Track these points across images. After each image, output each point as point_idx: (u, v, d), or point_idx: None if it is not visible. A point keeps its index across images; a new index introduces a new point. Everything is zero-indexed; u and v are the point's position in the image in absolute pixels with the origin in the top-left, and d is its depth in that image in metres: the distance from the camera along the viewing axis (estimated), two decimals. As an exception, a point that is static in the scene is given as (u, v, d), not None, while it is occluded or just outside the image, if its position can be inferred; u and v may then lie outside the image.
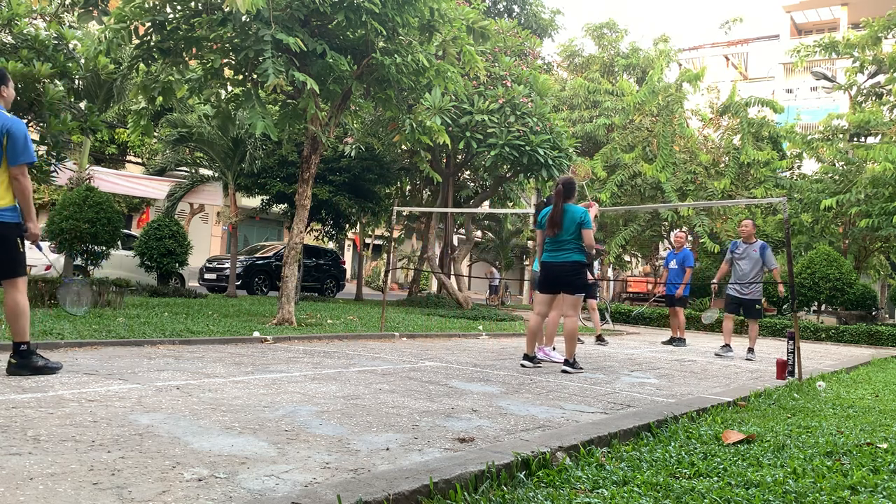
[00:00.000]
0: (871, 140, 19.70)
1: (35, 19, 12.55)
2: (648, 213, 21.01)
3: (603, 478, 2.48)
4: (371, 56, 8.58)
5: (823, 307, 17.17)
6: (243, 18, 8.02)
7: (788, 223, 6.86)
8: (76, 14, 11.63)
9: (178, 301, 11.39)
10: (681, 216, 20.21)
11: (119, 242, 12.60)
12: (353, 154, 15.65)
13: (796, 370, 6.23)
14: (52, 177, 11.28)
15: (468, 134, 14.39)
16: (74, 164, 13.31)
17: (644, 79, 22.87)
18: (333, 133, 9.82)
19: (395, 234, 25.55)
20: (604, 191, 19.84)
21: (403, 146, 15.75)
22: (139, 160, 23.40)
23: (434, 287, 25.71)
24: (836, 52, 19.01)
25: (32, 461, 2.36)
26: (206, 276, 17.83)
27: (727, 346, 9.19)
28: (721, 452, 2.98)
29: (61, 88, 10.22)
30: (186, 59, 9.04)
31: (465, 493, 2.22)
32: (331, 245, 23.19)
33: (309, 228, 19.73)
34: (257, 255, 18.36)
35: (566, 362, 6.10)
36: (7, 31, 10.17)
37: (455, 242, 21.14)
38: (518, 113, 14.61)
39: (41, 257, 13.32)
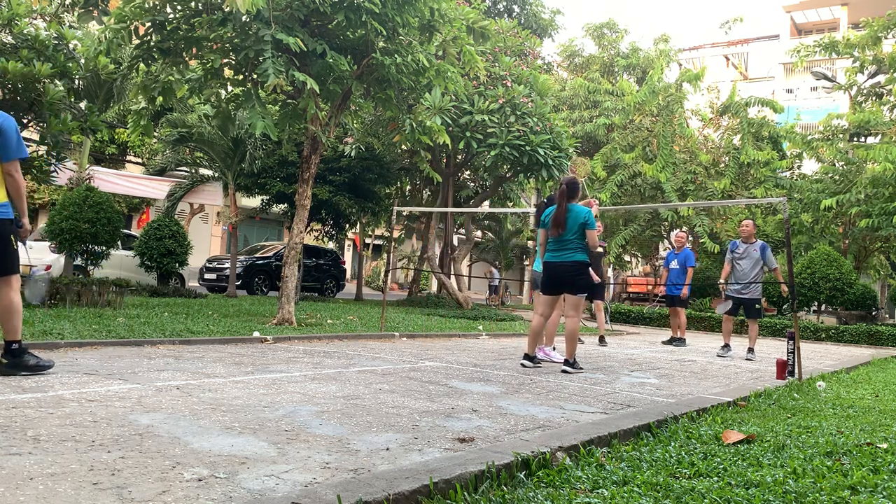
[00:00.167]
0: (871, 140, 19.70)
1: (35, 19, 12.55)
2: (648, 213, 21.01)
3: (603, 478, 2.48)
4: (371, 56, 8.58)
5: (823, 307, 17.18)
6: (243, 18, 8.02)
7: (788, 223, 6.86)
8: (76, 14, 11.64)
9: (178, 301, 11.39)
10: (681, 216, 20.22)
11: (119, 242, 12.62)
12: (353, 154, 15.65)
13: (796, 370, 6.23)
14: (52, 177, 11.29)
15: (468, 134, 14.39)
16: (74, 164, 13.32)
17: (644, 79, 22.87)
18: (333, 133, 9.82)
19: (395, 234, 25.55)
20: (604, 191, 19.84)
21: (403, 146, 15.75)
22: (139, 160, 23.40)
23: (434, 287, 25.71)
24: (836, 52, 19.01)
25: (32, 461, 2.36)
26: (206, 276, 17.83)
27: (727, 346, 9.20)
28: (721, 452, 2.98)
29: (61, 88, 10.22)
30: (186, 59, 9.04)
31: (465, 493, 2.22)
32: (331, 245, 23.18)
33: (309, 228, 19.73)
34: (257, 255, 18.36)
35: (566, 362, 6.10)
36: (7, 31, 10.17)
37: (455, 242, 21.14)
38: (518, 113, 14.62)
39: (41, 257, 13.36)
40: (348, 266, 28.91)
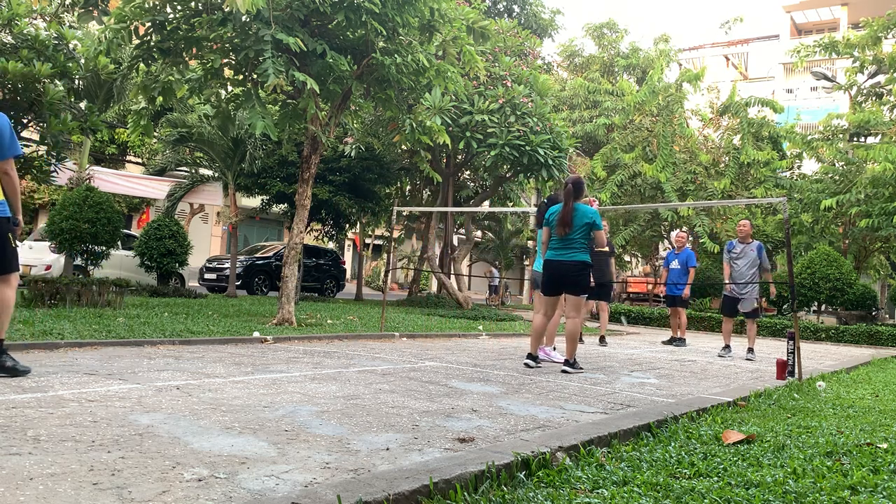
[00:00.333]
0: (871, 140, 19.70)
1: (35, 19, 12.55)
2: (648, 213, 21.01)
3: (603, 478, 2.48)
4: (371, 56, 8.58)
5: (823, 307, 17.17)
6: (243, 18, 8.02)
7: (788, 223, 6.86)
8: (76, 14, 11.64)
9: (178, 301, 11.39)
10: (681, 216, 20.22)
11: (119, 242, 12.61)
12: (353, 154, 15.65)
13: (796, 370, 6.23)
14: (52, 177, 11.29)
15: (468, 134, 14.39)
16: (74, 164, 13.32)
17: (644, 79, 22.88)
18: (333, 133, 9.82)
19: (395, 234, 25.55)
20: (604, 191, 19.85)
21: (403, 146, 15.75)
22: (139, 160, 23.40)
23: (434, 287, 25.71)
24: (836, 52, 19.01)
25: (32, 461, 2.36)
26: (206, 276, 17.83)
27: (727, 346, 9.21)
28: (721, 452, 2.98)
29: (61, 88, 10.22)
30: (186, 59, 9.04)
31: (465, 493, 2.22)
32: (331, 245, 23.18)
33: (309, 228, 19.73)
34: (257, 255, 18.36)
35: (566, 362, 6.09)
36: (7, 31, 10.17)
37: (455, 242, 21.14)
38: (518, 113, 14.62)
39: (41, 257, 13.36)
40: (348, 266, 28.91)
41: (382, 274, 30.84)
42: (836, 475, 2.66)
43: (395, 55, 8.53)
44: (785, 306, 18.41)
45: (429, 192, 20.40)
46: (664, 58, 23.66)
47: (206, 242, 27.78)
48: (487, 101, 14.53)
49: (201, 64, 9.13)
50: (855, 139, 19.83)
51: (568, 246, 6.04)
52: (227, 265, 16.92)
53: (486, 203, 22.28)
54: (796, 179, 21.00)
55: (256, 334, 7.08)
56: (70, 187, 13.33)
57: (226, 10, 7.91)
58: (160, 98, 9.06)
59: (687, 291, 10.33)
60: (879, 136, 18.23)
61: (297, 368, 5.18)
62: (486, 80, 14.91)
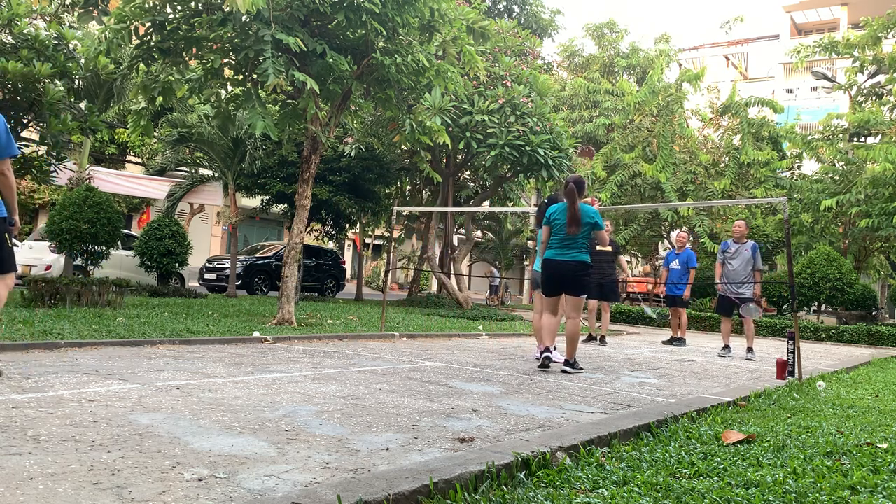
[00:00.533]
0: (871, 140, 19.70)
1: (35, 19, 12.56)
2: (648, 213, 21.01)
3: (603, 478, 2.48)
4: (371, 56, 8.58)
5: (823, 307, 17.18)
6: (243, 18, 8.02)
7: (788, 223, 6.86)
8: (76, 14, 11.65)
9: (178, 301, 11.40)
10: (681, 216, 20.22)
11: (119, 242, 12.61)
12: (353, 154, 15.65)
13: (796, 370, 6.23)
14: (52, 177, 11.28)
15: (468, 134, 14.39)
16: (74, 164, 13.32)
17: (644, 79, 22.88)
18: (333, 133, 9.82)
19: (395, 234, 25.56)
20: (604, 191, 19.85)
21: (403, 146, 15.75)
22: (139, 160, 23.40)
23: (434, 287, 25.72)
24: (836, 53, 19.01)
25: (32, 461, 2.36)
26: (206, 276, 17.83)
27: (727, 347, 9.21)
28: (721, 452, 2.98)
29: (61, 88, 10.22)
30: (186, 59, 9.04)
31: (465, 493, 2.22)
32: (331, 245, 23.19)
33: (309, 228, 19.73)
34: (257, 255, 18.36)
35: (566, 362, 6.09)
36: (7, 31, 10.17)
37: (455, 242, 21.14)
38: (518, 113, 14.62)
39: (41, 257, 13.36)
40: (348, 266, 28.92)
41: (382, 274, 30.84)
42: (836, 475, 2.66)
43: (395, 55, 8.53)
44: (785, 306, 18.42)
45: (429, 192, 20.41)
46: (664, 58, 23.67)
47: (206, 242, 27.79)
48: (487, 101, 14.53)
49: (201, 64, 9.13)
50: (855, 139, 19.84)
51: (570, 246, 6.02)
52: (227, 265, 16.92)
53: (486, 203, 22.29)
54: (796, 179, 21.01)
55: (256, 334, 7.08)
56: (70, 187, 13.33)
57: (226, 10, 7.91)
58: (160, 98, 9.06)
59: (687, 292, 10.36)
60: (879, 136, 18.23)
61: (297, 368, 5.18)
62: (486, 80, 14.91)
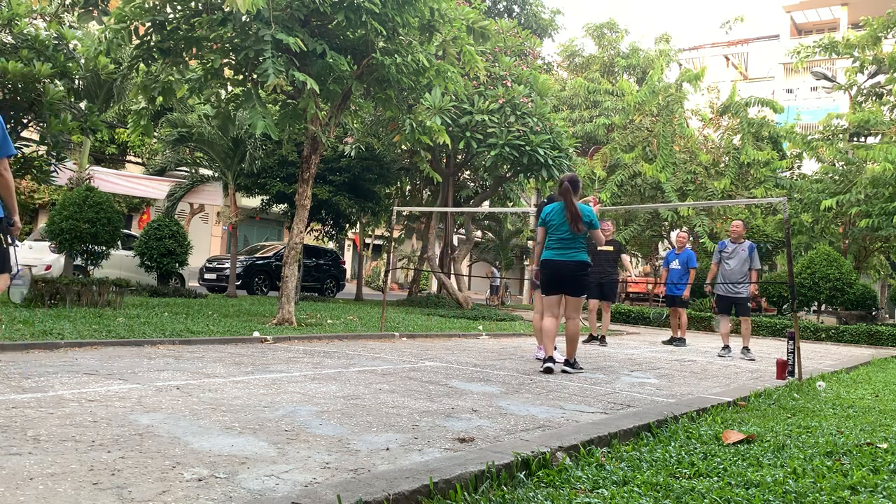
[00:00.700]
0: (871, 140, 19.70)
1: (35, 19, 12.56)
2: (648, 213, 21.01)
3: (603, 478, 2.48)
4: (371, 56, 8.58)
5: (823, 307, 17.18)
6: (243, 18, 8.02)
7: (788, 223, 6.86)
8: (76, 14, 11.65)
9: (178, 301, 11.39)
10: (681, 216, 20.23)
11: (119, 242, 12.62)
12: (353, 154, 15.66)
13: (796, 370, 6.23)
14: (52, 177, 11.29)
15: (468, 134, 14.39)
16: (74, 164, 13.33)
17: (644, 79, 22.88)
18: (333, 133, 9.82)
19: (395, 234, 25.56)
20: (604, 191, 19.85)
21: (403, 146, 15.75)
22: (139, 160, 23.41)
23: (434, 287, 25.72)
24: (836, 53, 19.01)
25: (32, 461, 2.36)
26: (206, 276, 17.84)
27: (727, 347, 9.22)
28: (721, 452, 2.98)
29: (61, 88, 10.23)
30: (186, 59, 9.04)
31: (465, 493, 2.22)
32: (331, 245, 23.19)
33: (309, 228, 19.73)
34: (257, 255, 18.36)
35: (566, 362, 6.09)
36: (7, 31, 10.17)
37: (455, 242, 21.15)
38: (518, 113, 14.62)
39: (41, 257, 13.36)
40: (348, 266, 28.92)
41: (382, 274, 30.85)
42: (836, 475, 2.66)
43: (395, 55, 8.53)
44: (785, 306, 18.42)
45: (429, 192, 20.41)
46: (664, 58, 23.67)
47: (206, 242, 27.79)
48: (487, 101, 14.53)
49: (201, 64, 9.13)
50: (855, 139, 19.83)
51: (570, 246, 6.01)
52: (227, 265, 16.92)
53: (486, 203, 22.29)
54: (796, 179, 21.01)
55: (256, 334, 7.08)
56: (70, 187, 13.34)
57: (226, 10, 7.91)
58: (160, 98, 9.06)
59: (687, 292, 10.39)
60: (879, 136, 18.23)
61: (297, 368, 5.18)
62: (486, 80, 14.91)
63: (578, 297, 6.11)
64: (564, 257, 6.00)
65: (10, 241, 4.17)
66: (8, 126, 9.75)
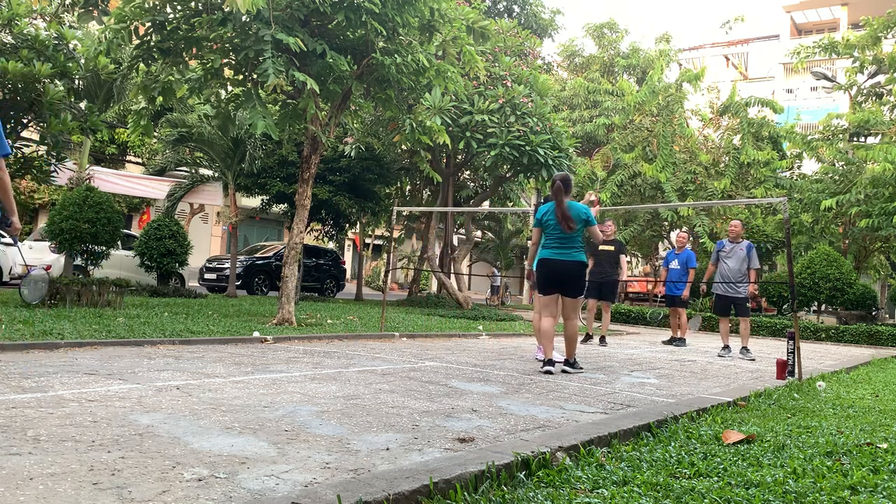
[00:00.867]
0: (871, 140, 19.70)
1: (35, 19, 12.57)
2: (648, 213, 21.02)
3: (603, 478, 2.48)
4: (371, 56, 8.58)
5: (823, 307, 17.17)
6: (243, 18, 8.02)
7: (788, 223, 6.86)
8: (76, 14, 11.65)
9: (178, 301, 11.39)
10: (681, 216, 20.23)
11: (119, 242, 12.62)
12: (353, 154, 15.66)
13: (796, 370, 6.23)
14: (52, 177, 11.29)
15: (468, 134, 14.39)
16: (74, 164, 13.33)
17: (644, 79, 22.88)
18: (333, 133, 9.82)
19: (395, 234, 25.56)
20: (604, 191, 19.85)
21: (403, 146, 15.75)
22: (139, 160, 23.41)
23: (434, 287, 25.72)
24: (836, 53, 19.01)
25: (32, 461, 2.36)
26: (206, 276, 17.84)
27: (727, 347, 9.22)
28: (721, 452, 2.98)
29: (61, 88, 10.23)
30: (186, 59, 9.04)
31: (465, 493, 2.22)
32: (331, 245, 23.19)
33: (309, 228, 19.73)
34: (257, 255, 18.36)
35: (566, 362, 6.09)
36: (7, 31, 10.17)
37: (455, 242, 21.15)
38: (518, 113, 14.62)
39: (41, 257, 13.36)
40: (348, 266, 28.91)
41: (382, 274, 30.85)
42: (836, 475, 2.66)
43: (395, 55, 8.53)
44: (785, 306, 18.42)
45: (429, 192, 20.41)
46: (664, 58, 23.67)
47: (206, 242, 27.79)
48: (487, 101, 14.53)
49: (201, 64, 9.13)
50: (855, 139, 19.83)
51: (567, 245, 6.00)
52: (227, 265, 16.92)
53: (486, 203, 22.28)
54: (796, 179, 21.01)
55: (256, 334, 7.08)
56: (70, 187, 13.34)
57: (226, 10, 7.91)
58: (160, 98, 9.06)
59: (686, 292, 10.40)
60: (879, 136, 18.23)
61: (297, 368, 5.18)
62: (486, 80, 14.91)
63: (574, 297, 6.10)
64: (563, 257, 5.99)
65: (14, 240, 4.19)
66: (8, 126, 9.75)
